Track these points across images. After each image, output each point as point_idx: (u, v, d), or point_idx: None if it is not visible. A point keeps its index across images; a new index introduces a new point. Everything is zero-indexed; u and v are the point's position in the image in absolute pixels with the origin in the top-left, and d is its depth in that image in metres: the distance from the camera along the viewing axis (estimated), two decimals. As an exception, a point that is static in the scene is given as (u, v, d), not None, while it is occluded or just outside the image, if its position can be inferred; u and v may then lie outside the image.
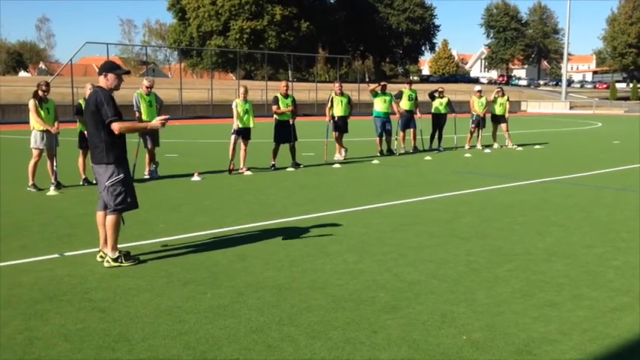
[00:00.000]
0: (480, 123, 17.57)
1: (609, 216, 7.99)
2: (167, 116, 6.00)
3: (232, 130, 12.05)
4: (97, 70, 5.78)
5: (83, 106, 9.99)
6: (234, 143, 12.00)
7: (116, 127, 5.42)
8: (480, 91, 17.77)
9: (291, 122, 12.69)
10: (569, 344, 3.88)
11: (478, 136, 17.71)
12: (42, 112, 9.64)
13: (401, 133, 16.20)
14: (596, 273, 5.43)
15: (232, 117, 12.09)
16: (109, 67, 5.65)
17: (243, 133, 12.05)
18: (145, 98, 11.17)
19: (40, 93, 9.59)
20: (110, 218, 5.57)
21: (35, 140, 9.69)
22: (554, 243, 6.50)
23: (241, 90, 12.16)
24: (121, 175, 5.53)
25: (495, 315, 4.37)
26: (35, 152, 9.73)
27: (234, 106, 12.05)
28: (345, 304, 4.58)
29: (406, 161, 14.46)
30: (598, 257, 5.95)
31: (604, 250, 6.23)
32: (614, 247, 6.33)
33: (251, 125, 12.06)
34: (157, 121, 5.78)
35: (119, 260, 5.55)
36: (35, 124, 9.63)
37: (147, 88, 11.21)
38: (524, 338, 3.97)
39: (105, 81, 5.57)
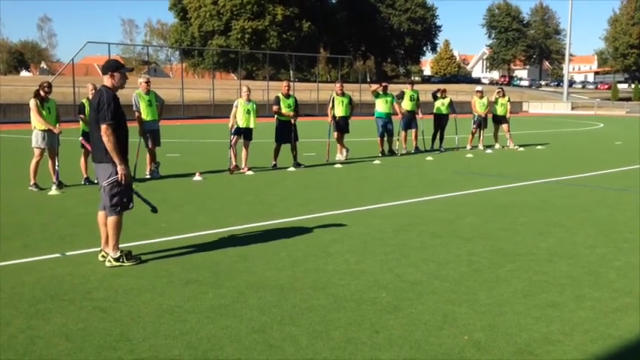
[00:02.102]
0: (481, 123, 17.56)
1: (611, 216, 7.98)
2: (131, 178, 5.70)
3: (231, 130, 12.05)
4: (100, 69, 5.77)
5: (86, 105, 10.04)
6: (235, 143, 12.01)
7: (104, 130, 5.39)
8: (480, 92, 17.74)
9: (292, 122, 12.69)
10: (571, 345, 3.88)
11: (480, 136, 17.69)
12: (43, 112, 9.64)
13: (402, 133, 16.19)
14: (598, 273, 5.42)
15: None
16: (114, 65, 5.66)
17: (245, 134, 12.06)
18: (144, 97, 11.14)
19: (42, 93, 9.60)
20: (111, 218, 5.57)
21: (37, 140, 9.70)
22: (556, 243, 6.50)
23: (244, 89, 12.17)
24: (118, 176, 5.53)
25: (497, 315, 4.37)
26: (37, 152, 9.73)
27: (234, 105, 12.08)
28: (346, 304, 4.58)
29: (408, 162, 14.45)
30: (600, 258, 5.94)
31: (606, 250, 6.22)
32: (617, 248, 6.32)
33: (252, 125, 12.05)
34: (125, 175, 5.49)
35: (121, 260, 5.55)
36: (37, 123, 9.63)
37: (145, 84, 11.15)
38: (525, 338, 3.97)
39: (111, 80, 5.58)
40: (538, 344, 3.88)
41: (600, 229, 7.20)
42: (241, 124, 11.95)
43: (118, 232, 5.60)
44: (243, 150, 12.10)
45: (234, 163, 11.98)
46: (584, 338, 3.98)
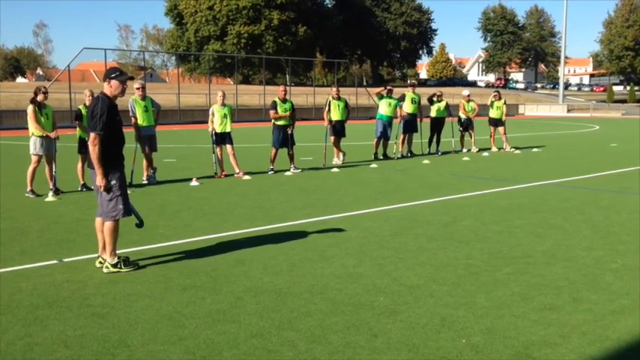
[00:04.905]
0: (468, 126, 17.66)
1: (608, 218, 8.00)
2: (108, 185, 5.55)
3: (212, 138, 12.07)
4: (99, 76, 5.81)
5: (83, 112, 10.04)
6: (220, 152, 12.07)
7: (92, 139, 5.40)
8: (468, 95, 17.93)
9: (289, 131, 12.70)
10: (569, 347, 3.89)
11: (471, 138, 17.78)
12: (42, 118, 9.64)
13: (401, 137, 16.21)
14: (595, 276, 5.44)
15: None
16: (112, 73, 5.66)
17: (225, 138, 12.07)
18: (140, 103, 11.12)
19: (40, 98, 9.60)
20: (108, 224, 5.57)
21: (35, 146, 9.69)
22: (553, 246, 6.51)
23: (219, 94, 12.20)
24: (113, 182, 5.54)
25: (495, 318, 4.38)
26: (34, 158, 9.72)
27: (210, 112, 12.15)
28: (344, 308, 4.59)
29: (404, 165, 14.47)
30: (597, 260, 5.96)
31: (603, 252, 6.24)
32: (613, 250, 6.34)
33: (228, 129, 12.05)
34: (102, 186, 5.45)
35: (118, 266, 5.55)
36: (34, 130, 9.62)
37: (139, 90, 11.13)
38: (523, 341, 3.97)
39: (109, 88, 5.59)
40: (536, 347, 3.89)
41: (596, 231, 7.22)
42: (219, 129, 11.98)
43: (114, 238, 5.60)
44: (230, 155, 12.09)
45: (223, 171, 12.04)
46: (581, 341, 3.99)
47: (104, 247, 5.66)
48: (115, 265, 5.54)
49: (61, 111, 29.74)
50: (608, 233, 7.12)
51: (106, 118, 5.43)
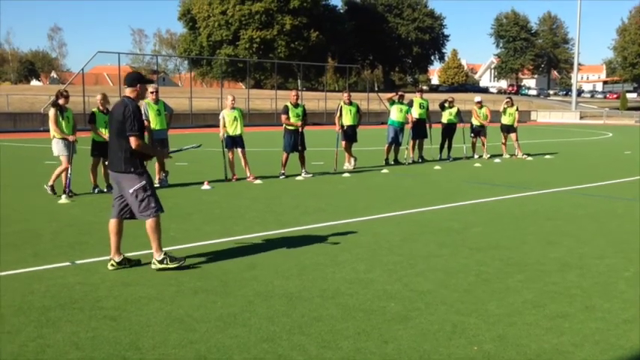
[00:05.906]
0: (479, 132, 17.61)
1: (621, 226, 7.94)
2: (170, 152, 6.92)
3: (224, 142, 12.12)
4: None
5: (97, 115, 10.14)
6: (232, 155, 12.11)
7: (134, 142, 5.56)
8: (480, 102, 17.85)
9: (300, 130, 12.71)
10: (581, 355, 3.86)
11: (483, 144, 17.73)
12: (62, 122, 9.79)
13: (411, 142, 16.18)
14: (608, 284, 5.39)
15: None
16: (138, 78, 5.88)
17: (237, 141, 12.12)
18: (153, 107, 11.22)
19: (62, 102, 9.74)
20: (149, 222, 5.68)
21: (59, 148, 9.83)
22: (565, 253, 6.47)
23: (229, 98, 12.28)
24: (143, 182, 5.65)
25: (507, 326, 4.35)
26: (64, 159, 9.87)
27: (220, 117, 12.22)
28: (355, 313, 4.58)
29: (415, 171, 14.44)
30: (610, 268, 5.91)
31: (616, 260, 6.19)
32: (626, 258, 6.29)
33: (239, 132, 12.10)
34: (164, 155, 6.05)
35: (164, 262, 5.64)
36: (54, 132, 9.74)
37: (152, 94, 11.20)
38: (535, 349, 3.95)
39: (135, 92, 5.74)
40: (548, 355, 3.86)
41: (610, 239, 7.16)
42: (230, 132, 12.05)
43: (158, 233, 5.70)
44: (242, 160, 12.14)
45: (234, 175, 12.08)
46: (594, 349, 3.96)
47: (117, 250, 5.73)
48: (161, 262, 5.64)
49: (74, 114, 29.99)
50: (621, 241, 7.07)
51: (139, 118, 5.62)
